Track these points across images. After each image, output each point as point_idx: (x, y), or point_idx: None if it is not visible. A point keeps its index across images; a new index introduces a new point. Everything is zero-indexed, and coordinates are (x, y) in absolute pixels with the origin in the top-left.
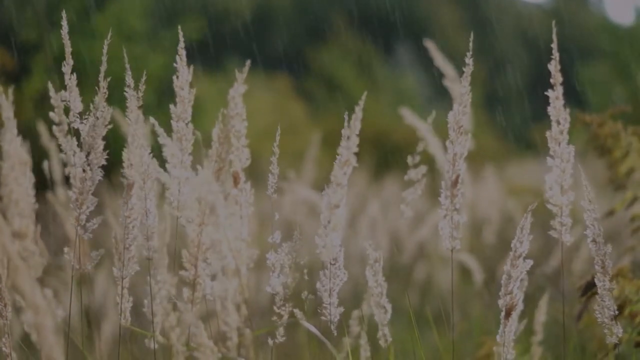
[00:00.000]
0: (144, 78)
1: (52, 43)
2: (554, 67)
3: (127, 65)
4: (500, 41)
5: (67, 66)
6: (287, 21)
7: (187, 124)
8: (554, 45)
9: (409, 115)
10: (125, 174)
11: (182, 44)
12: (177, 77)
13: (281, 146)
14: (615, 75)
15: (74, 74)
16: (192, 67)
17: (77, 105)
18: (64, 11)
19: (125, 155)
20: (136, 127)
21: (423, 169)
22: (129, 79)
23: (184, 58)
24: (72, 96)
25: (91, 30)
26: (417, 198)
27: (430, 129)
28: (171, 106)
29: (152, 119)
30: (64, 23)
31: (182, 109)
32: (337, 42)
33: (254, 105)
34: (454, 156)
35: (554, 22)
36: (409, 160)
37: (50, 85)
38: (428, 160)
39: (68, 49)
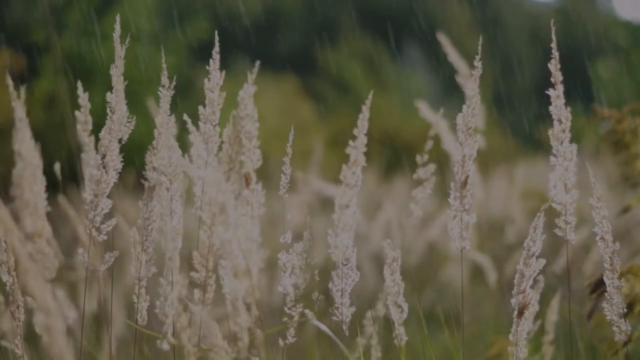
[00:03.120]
0: (174, 82)
1: (61, 44)
2: (553, 66)
3: (164, 66)
4: (509, 40)
5: (116, 69)
6: (295, 21)
7: (214, 126)
8: (554, 45)
9: (424, 109)
10: (147, 176)
11: (217, 48)
12: (209, 79)
13: (290, 146)
14: (626, 71)
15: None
16: (224, 72)
17: (122, 108)
18: (118, 19)
19: (147, 157)
20: (165, 127)
21: (432, 167)
22: (164, 79)
23: (217, 62)
24: (118, 99)
25: (101, 31)
26: (428, 197)
27: (444, 125)
28: (200, 108)
29: (185, 117)
30: (117, 26)
31: (210, 111)
32: (345, 41)
33: (263, 105)
34: (463, 157)
35: (552, 21)
36: (418, 159)
37: (79, 84)
38: (439, 158)
39: (119, 53)
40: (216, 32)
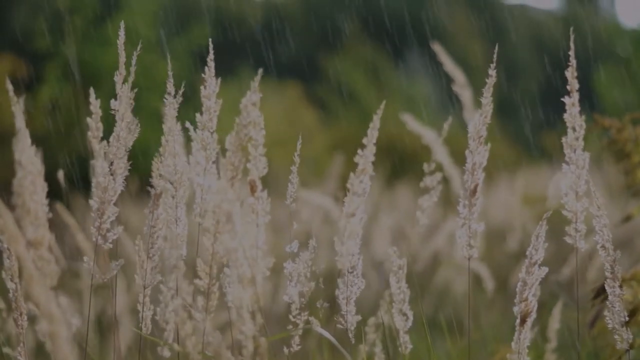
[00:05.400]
0: (182, 88)
1: (64, 51)
2: (570, 74)
3: (170, 73)
4: (512, 47)
5: (119, 76)
6: (299, 28)
7: (212, 133)
8: (572, 53)
9: (411, 122)
10: (153, 184)
11: (211, 56)
12: (205, 87)
13: (293, 153)
14: (628, 79)
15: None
16: (219, 79)
17: (127, 115)
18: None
19: (154, 164)
20: (171, 135)
21: (439, 176)
22: (170, 87)
23: (213, 69)
24: (123, 106)
25: (103, 38)
26: (433, 205)
27: (436, 136)
28: (197, 115)
29: (188, 124)
30: (121, 32)
31: (207, 118)
32: (349, 49)
33: (266, 112)
34: (473, 165)
35: (571, 29)
36: (425, 167)
37: (92, 91)
38: (441, 167)
39: (122, 59)
40: (210, 40)
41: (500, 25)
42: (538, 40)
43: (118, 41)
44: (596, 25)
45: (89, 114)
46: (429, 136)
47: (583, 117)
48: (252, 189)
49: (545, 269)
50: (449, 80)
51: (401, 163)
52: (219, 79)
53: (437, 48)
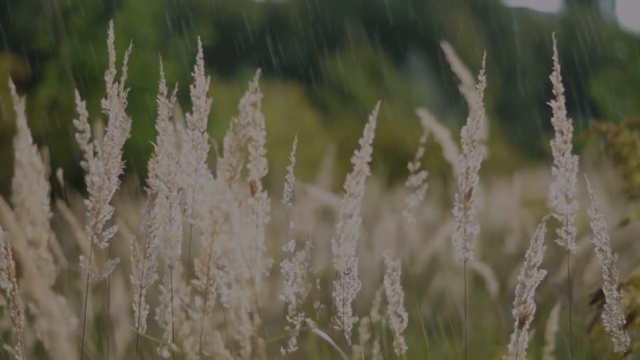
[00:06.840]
0: (176, 88)
1: (64, 51)
2: (555, 78)
3: (162, 73)
4: (512, 50)
5: (110, 75)
6: (299, 29)
7: (202, 133)
8: (555, 57)
9: (426, 118)
10: (149, 184)
11: (200, 54)
12: (194, 86)
13: (294, 155)
14: (629, 83)
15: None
16: (209, 77)
17: (121, 114)
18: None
19: (150, 164)
20: (164, 135)
21: (424, 174)
22: (162, 87)
23: (202, 68)
24: (113, 105)
25: (103, 37)
26: (426, 206)
27: (445, 134)
28: (187, 115)
29: (178, 125)
30: (111, 32)
31: (197, 118)
32: (349, 50)
33: (267, 113)
34: (468, 169)
35: (553, 34)
36: (410, 166)
37: (76, 92)
38: (442, 169)
39: (112, 58)
40: (199, 38)
41: (500, 28)
42: (539, 43)
43: (108, 40)
44: (596, 28)
45: (83, 115)
46: (440, 134)
47: (570, 120)
48: (252, 190)
49: (544, 272)
50: (449, 81)
51: (402, 164)
52: (209, 78)
53: (447, 48)
